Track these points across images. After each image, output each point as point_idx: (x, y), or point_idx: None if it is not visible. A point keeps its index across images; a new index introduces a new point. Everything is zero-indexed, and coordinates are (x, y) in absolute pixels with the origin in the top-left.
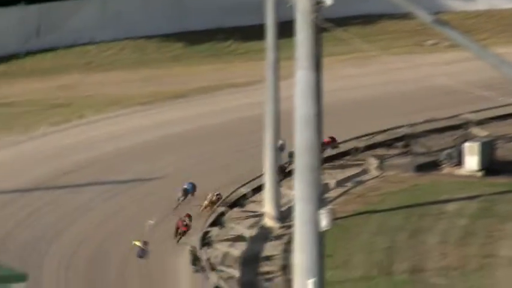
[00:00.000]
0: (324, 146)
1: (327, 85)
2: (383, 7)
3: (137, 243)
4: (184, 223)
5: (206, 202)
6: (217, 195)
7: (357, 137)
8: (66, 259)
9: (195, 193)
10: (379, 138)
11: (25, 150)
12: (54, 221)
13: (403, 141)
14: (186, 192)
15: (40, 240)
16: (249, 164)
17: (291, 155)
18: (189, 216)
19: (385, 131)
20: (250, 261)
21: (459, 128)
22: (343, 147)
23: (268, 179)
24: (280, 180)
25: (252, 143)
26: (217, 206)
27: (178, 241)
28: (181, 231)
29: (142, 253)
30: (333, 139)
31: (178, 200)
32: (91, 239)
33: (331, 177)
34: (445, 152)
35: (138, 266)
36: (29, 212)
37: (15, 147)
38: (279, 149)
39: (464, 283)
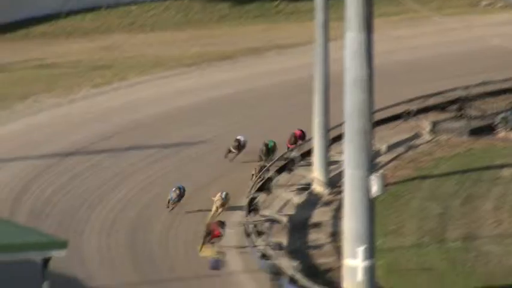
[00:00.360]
0: (296, 138)
1: (378, 46)
2: None
3: (209, 253)
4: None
5: (215, 206)
6: (225, 195)
7: (409, 100)
8: (107, 226)
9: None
10: (432, 101)
11: (66, 113)
12: (95, 187)
13: (457, 104)
14: (181, 193)
15: (81, 207)
16: (297, 127)
17: (268, 150)
18: (223, 223)
19: (438, 93)
20: (298, 228)
21: None
22: (395, 111)
23: (316, 144)
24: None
25: (300, 106)
26: (224, 209)
27: (202, 246)
28: (211, 237)
29: (217, 264)
30: (302, 133)
31: (169, 202)
32: (133, 205)
33: (382, 142)
34: (500, 115)
35: (181, 233)
36: (70, 177)
37: (56, 109)
38: (237, 147)
39: None
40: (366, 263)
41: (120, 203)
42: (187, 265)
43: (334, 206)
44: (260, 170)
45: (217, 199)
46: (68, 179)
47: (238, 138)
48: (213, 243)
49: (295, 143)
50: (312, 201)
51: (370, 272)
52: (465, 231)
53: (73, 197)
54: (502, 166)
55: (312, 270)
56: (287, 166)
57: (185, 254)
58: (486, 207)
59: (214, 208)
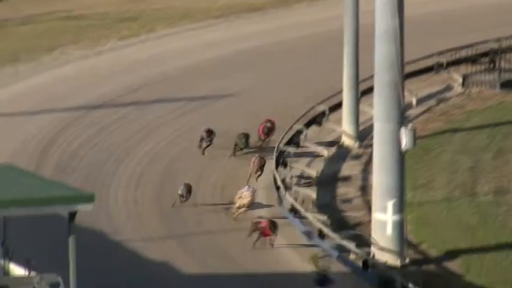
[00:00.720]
0: (269, 129)
1: None
2: None
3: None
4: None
5: (241, 203)
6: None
7: (440, 52)
8: (134, 179)
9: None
10: (464, 53)
11: (92, 65)
12: (123, 140)
13: (489, 56)
14: (189, 190)
15: (108, 160)
16: (326, 80)
17: (243, 141)
18: (275, 224)
19: (469, 46)
20: (328, 182)
21: None
22: (426, 63)
23: (346, 96)
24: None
25: (330, 58)
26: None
27: (255, 242)
28: (261, 235)
29: (325, 282)
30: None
31: (181, 198)
32: (160, 159)
33: (413, 95)
34: None
35: (209, 184)
36: (97, 130)
37: (83, 61)
38: (205, 137)
39: None
40: (396, 217)
41: (147, 156)
42: (215, 219)
43: (363, 159)
44: (260, 163)
45: (244, 196)
46: (94, 132)
47: (209, 128)
48: (259, 239)
49: (268, 133)
50: (342, 155)
51: (400, 226)
52: (496, 185)
53: (100, 150)
54: None
55: (341, 224)
56: (316, 120)
57: (213, 207)
58: None
59: (239, 204)
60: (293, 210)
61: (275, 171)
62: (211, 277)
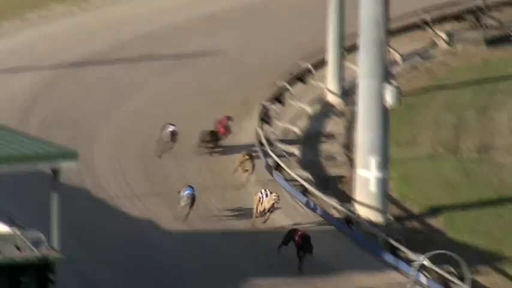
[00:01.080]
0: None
1: None
2: None
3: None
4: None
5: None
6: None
7: (425, 10)
8: (119, 136)
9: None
10: (449, 11)
11: (78, 22)
12: (108, 96)
13: (474, 14)
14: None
15: (92, 117)
16: (312, 39)
17: (207, 136)
18: (304, 236)
19: (455, 3)
20: (311, 138)
21: None
22: (412, 20)
23: (331, 54)
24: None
25: (315, 17)
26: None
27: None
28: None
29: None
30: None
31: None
32: (145, 116)
33: (398, 52)
34: None
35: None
36: (81, 87)
37: (68, 19)
38: (170, 137)
39: None
40: (379, 174)
41: (133, 114)
42: (200, 175)
43: (347, 116)
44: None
45: (269, 199)
46: (79, 89)
47: (171, 129)
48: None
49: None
50: (325, 112)
51: (383, 183)
52: (480, 142)
53: (85, 107)
54: None
55: (324, 181)
56: (300, 76)
57: (198, 165)
58: (501, 118)
59: (263, 208)
60: (277, 168)
61: (258, 128)
62: (194, 234)
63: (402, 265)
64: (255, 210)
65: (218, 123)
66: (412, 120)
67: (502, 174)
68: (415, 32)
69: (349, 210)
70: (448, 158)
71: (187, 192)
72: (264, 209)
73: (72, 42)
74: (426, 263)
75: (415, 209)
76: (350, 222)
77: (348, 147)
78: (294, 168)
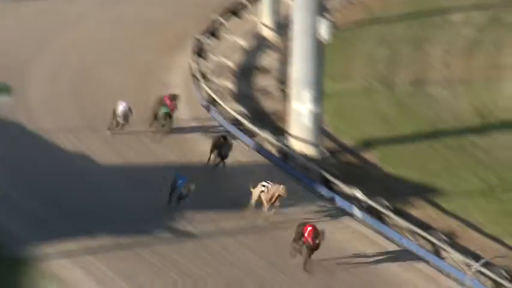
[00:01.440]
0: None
1: None
2: None
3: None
4: (316, 241)
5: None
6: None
7: None
8: (53, 72)
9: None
10: None
11: None
12: (45, 30)
13: None
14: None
15: (27, 52)
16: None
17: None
18: (317, 233)
19: None
20: (246, 73)
21: None
22: None
23: None
24: None
25: None
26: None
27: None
28: (309, 246)
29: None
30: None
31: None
32: (80, 50)
33: None
34: None
35: (132, 80)
36: (16, 20)
37: None
38: (123, 118)
39: (467, 95)
40: (313, 107)
41: (68, 48)
42: (136, 109)
43: (282, 51)
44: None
45: (276, 189)
46: (14, 22)
47: (123, 109)
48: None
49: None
50: (260, 46)
51: (317, 116)
52: (414, 75)
53: (19, 41)
54: (452, 10)
55: (258, 115)
56: (235, 11)
57: (136, 106)
58: (435, 52)
59: (269, 197)
60: (211, 102)
61: (191, 62)
62: (127, 167)
63: (338, 199)
64: (265, 202)
65: (167, 101)
66: (346, 54)
67: (436, 108)
68: None
69: (284, 144)
70: (382, 92)
71: (180, 182)
72: (272, 197)
73: None
74: (359, 194)
75: (350, 143)
76: (286, 156)
77: (283, 81)
78: (229, 102)
